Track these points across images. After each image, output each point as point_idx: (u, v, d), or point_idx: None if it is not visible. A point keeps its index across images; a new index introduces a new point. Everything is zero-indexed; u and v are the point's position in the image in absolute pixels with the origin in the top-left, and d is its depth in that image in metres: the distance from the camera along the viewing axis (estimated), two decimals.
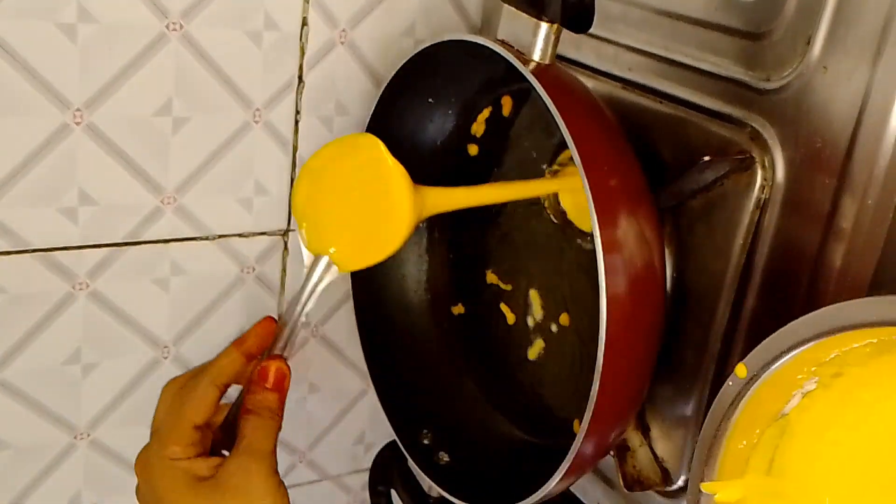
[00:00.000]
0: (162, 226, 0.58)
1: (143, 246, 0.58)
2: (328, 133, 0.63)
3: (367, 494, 0.70)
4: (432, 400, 0.63)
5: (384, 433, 0.70)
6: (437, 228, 0.65)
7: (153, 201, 0.58)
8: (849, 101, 0.38)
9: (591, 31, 0.45)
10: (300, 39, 0.59)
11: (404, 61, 0.54)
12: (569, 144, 0.41)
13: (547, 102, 0.42)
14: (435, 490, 0.58)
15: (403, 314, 0.66)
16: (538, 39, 0.44)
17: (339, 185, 0.48)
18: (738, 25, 0.44)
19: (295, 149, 0.62)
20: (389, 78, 0.56)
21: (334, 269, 0.47)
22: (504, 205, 0.60)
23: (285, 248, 0.64)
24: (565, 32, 0.45)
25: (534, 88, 0.42)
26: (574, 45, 0.54)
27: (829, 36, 0.39)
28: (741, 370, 0.33)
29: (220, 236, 0.61)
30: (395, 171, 0.44)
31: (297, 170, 0.62)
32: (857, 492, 0.33)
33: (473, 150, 0.61)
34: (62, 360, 0.58)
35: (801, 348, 0.30)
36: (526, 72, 0.43)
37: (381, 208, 0.46)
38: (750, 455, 0.35)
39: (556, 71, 0.46)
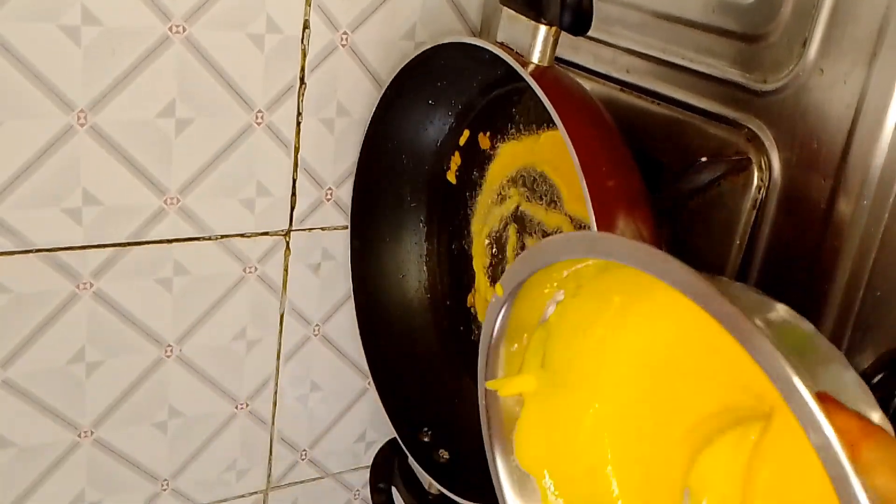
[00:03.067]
0: (165, 226, 0.59)
1: (146, 246, 0.59)
2: (329, 134, 0.63)
3: (367, 492, 0.70)
4: (432, 398, 0.64)
5: (385, 431, 0.70)
6: (438, 228, 0.66)
7: (156, 202, 0.58)
8: (844, 102, 0.38)
9: (590, 33, 0.46)
10: (302, 42, 0.59)
11: (405, 63, 0.55)
12: (568, 145, 0.41)
13: (546, 104, 0.42)
14: (435, 487, 0.59)
15: (403, 314, 0.66)
16: (537, 42, 0.45)
17: None
18: (735, 28, 0.44)
19: (297, 150, 0.62)
20: (390, 80, 0.56)
21: None
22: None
23: (287, 248, 0.65)
24: (564, 35, 0.45)
25: (533, 90, 0.43)
26: (572, 48, 0.54)
27: (825, 38, 0.39)
28: (499, 289, 0.39)
29: (223, 236, 0.62)
30: None
31: (298, 171, 0.63)
32: (624, 379, 0.39)
33: (452, 178, 0.62)
34: (66, 360, 0.59)
35: (538, 270, 0.37)
36: (525, 74, 0.44)
37: None
38: (524, 356, 0.41)
39: (555, 73, 0.46)
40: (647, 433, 0.38)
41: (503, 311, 0.40)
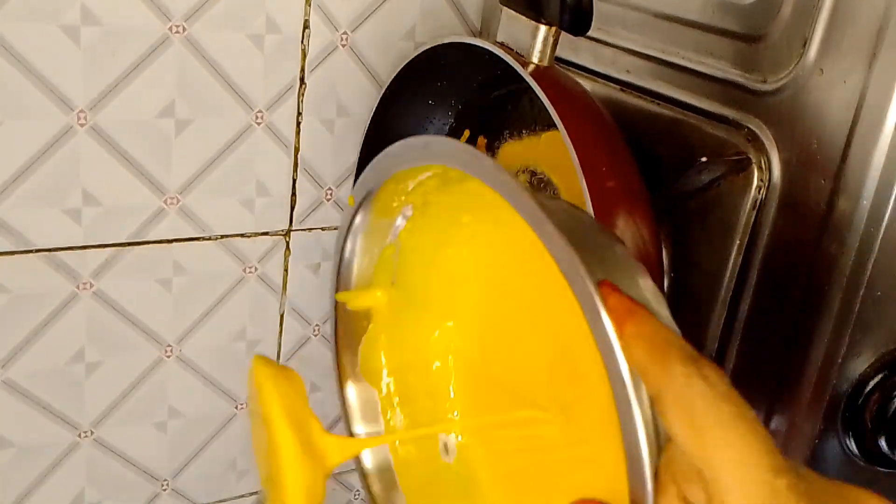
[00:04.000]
0: (165, 226, 0.59)
1: (146, 246, 0.59)
2: (329, 134, 0.63)
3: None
4: None
5: None
6: None
7: (156, 202, 0.58)
8: (844, 102, 0.38)
9: (590, 33, 0.46)
10: (302, 42, 0.59)
11: (405, 63, 0.55)
12: (568, 146, 0.41)
13: (546, 104, 0.42)
14: None
15: None
16: (537, 42, 0.45)
17: (260, 430, 0.41)
18: (735, 28, 0.44)
19: (297, 150, 0.62)
20: (390, 80, 0.56)
21: None
22: None
23: (287, 248, 0.65)
24: (564, 35, 0.45)
25: (533, 90, 0.43)
26: (572, 48, 0.54)
27: (825, 39, 0.39)
28: (350, 200, 0.40)
29: (223, 236, 0.62)
30: (283, 443, 0.37)
31: (298, 171, 0.63)
32: (474, 299, 0.40)
33: None
34: (66, 360, 0.59)
35: (382, 182, 0.37)
36: (525, 74, 0.44)
37: (279, 468, 0.38)
38: (375, 272, 0.41)
39: (555, 73, 0.46)
40: (492, 353, 0.40)
41: (355, 222, 0.40)
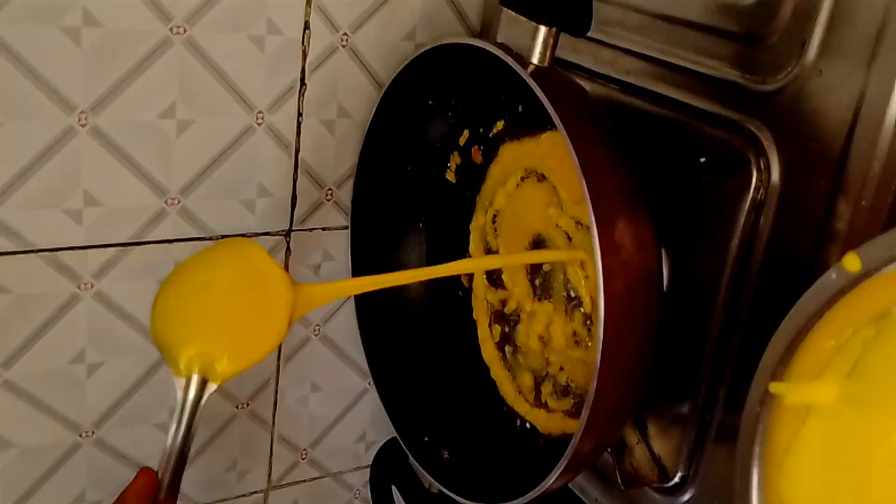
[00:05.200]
0: (166, 227, 0.59)
1: (147, 247, 0.59)
2: (330, 135, 0.63)
3: (368, 492, 0.70)
4: (433, 398, 0.64)
5: (385, 431, 0.71)
6: (438, 231, 0.66)
7: (157, 203, 0.58)
8: (844, 104, 0.38)
9: (589, 34, 0.46)
10: (302, 43, 0.59)
11: (405, 64, 0.55)
12: (567, 146, 0.41)
13: (546, 105, 0.42)
14: (435, 487, 0.59)
15: (403, 314, 0.66)
16: (537, 43, 0.45)
17: (206, 295, 0.44)
18: (735, 29, 0.44)
19: (297, 151, 0.62)
20: (390, 81, 0.56)
21: (210, 384, 0.44)
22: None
23: (287, 248, 0.65)
24: (564, 36, 0.45)
25: (533, 91, 0.43)
26: (572, 49, 0.54)
27: (825, 40, 0.39)
28: (853, 262, 0.28)
29: (224, 237, 0.62)
30: (277, 271, 0.42)
31: (299, 171, 0.63)
32: None
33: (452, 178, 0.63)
34: (67, 360, 0.59)
35: None
36: (525, 74, 0.44)
37: (258, 308, 0.42)
38: (833, 357, 0.31)
39: (555, 74, 0.46)
40: None
41: (838, 293, 0.29)
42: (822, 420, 0.31)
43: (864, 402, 0.30)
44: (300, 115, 0.61)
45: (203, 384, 0.44)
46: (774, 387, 0.32)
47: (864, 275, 0.28)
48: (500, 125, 0.59)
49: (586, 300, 0.53)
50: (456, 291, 0.65)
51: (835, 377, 0.31)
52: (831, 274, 0.29)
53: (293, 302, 0.43)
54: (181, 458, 0.46)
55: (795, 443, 0.32)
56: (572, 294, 0.54)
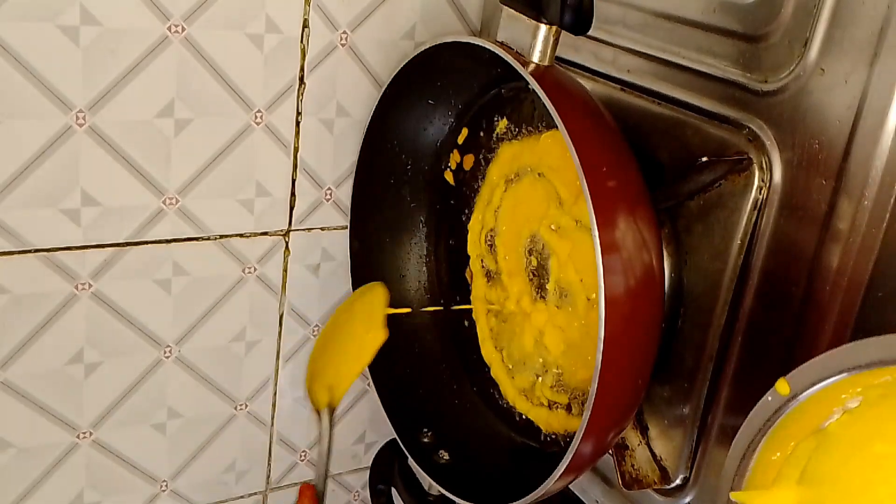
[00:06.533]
0: (164, 226, 0.59)
1: (145, 246, 0.59)
2: (329, 134, 0.63)
3: (367, 493, 0.70)
4: (432, 399, 0.63)
5: (384, 432, 0.70)
6: (438, 228, 0.66)
7: (155, 202, 0.58)
8: (845, 103, 0.38)
9: (590, 33, 0.46)
10: (301, 42, 0.59)
11: (404, 63, 0.54)
12: (568, 145, 0.41)
13: (546, 104, 0.42)
14: (435, 488, 0.59)
15: (404, 314, 0.66)
16: (537, 41, 0.45)
17: (324, 345, 0.58)
18: (736, 28, 0.44)
19: (296, 150, 0.62)
20: (390, 80, 0.56)
21: (332, 409, 0.56)
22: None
23: (286, 248, 0.65)
24: (564, 34, 0.45)
25: (533, 90, 0.43)
26: (573, 48, 0.54)
27: (826, 39, 0.39)
28: (783, 387, 0.33)
29: (222, 237, 0.61)
30: (372, 319, 0.56)
31: (298, 171, 0.63)
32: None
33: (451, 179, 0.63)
34: (65, 361, 0.59)
35: (854, 373, 0.31)
36: (525, 73, 0.43)
37: (354, 348, 0.56)
38: (782, 466, 0.35)
39: (556, 73, 0.46)
40: None
41: (775, 413, 0.34)
42: None
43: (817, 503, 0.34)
44: (299, 114, 0.61)
45: (332, 412, 0.56)
46: (735, 496, 0.36)
47: (794, 397, 0.33)
48: (503, 124, 0.58)
49: (583, 301, 0.53)
50: (456, 291, 0.65)
51: (787, 483, 0.35)
52: (768, 397, 0.34)
53: (381, 338, 0.56)
54: (327, 473, 0.57)
55: None
56: (570, 294, 0.54)
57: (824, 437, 0.34)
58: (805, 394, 0.33)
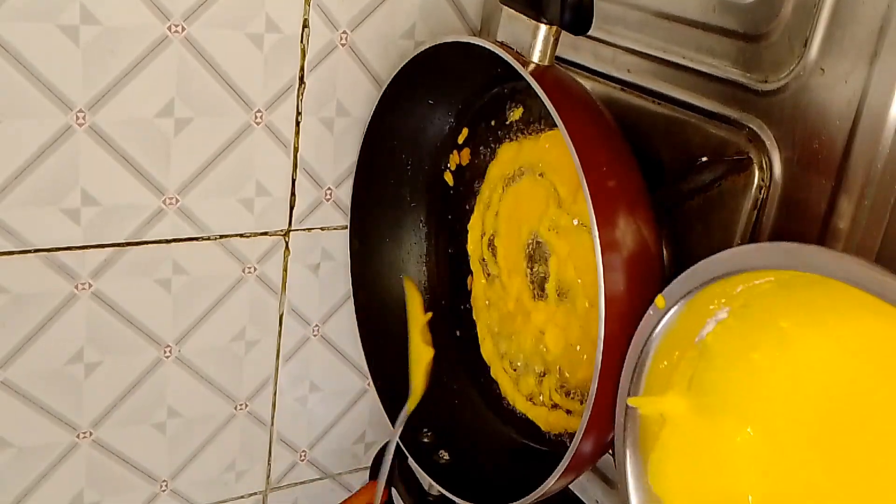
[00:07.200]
0: (164, 226, 0.59)
1: (145, 246, 0.59)
2: (329, 134, 0.63)
3: None
4: (432, 399, 0.63)
5: (384, 432, 0.70)
6: (437, 228, 0.66)
7: (155, 202, 0.58)
8: (845, 102, 0.38)
9: (590, 32, 0.46)
10: (301, 41, 0.59)
11: (404, 63, 0.54)
12: (568, 145, 0.41)
13: (546, 103, 0.42)
14: (435, 488, 0.59)
15: (403, 314, 0.66)
16: (537, 41, 0.45)
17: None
18: (736, 27, 0.44)
19: (296, 150, 0.62)
20: (390, 79, 0.56)
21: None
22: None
23: (286, 248, 0.65)
24: (564, 34, 0.45)
25: (533, 89, 0.43)
26: (573, 47, 0.54)
27: (826, 38, 0.39)
28: (660, 301, 0.37)
29: (222, 236, 0.61)
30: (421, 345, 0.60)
31: (298, 170, 0.63)
32: (777, 409, 0.36)
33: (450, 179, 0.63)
34: (65, 360, 0.59)
35: (711, 283, 0.35)
36: (525, 73, 0.43)
37: (418, 367, 0.61)
38: (671, 375, 0.39)
39: (556, 72, 0.46)
40: (805, 465, 0.36)
41: (661, 325, 0.37)
42: (676, 427, 0.39)
43: (708, 410, 0.38)
44: (299, 113, 0.61)
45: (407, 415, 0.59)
46: (631, 401, 0.40)
47: (669, 308, 0.37)
48: (517, 112, 0.58)
49: (582, 300, 0.53)
50: (455, 290, 0.65)
51: (677, 390, 0.39)
52: (650, 311, 0.38)
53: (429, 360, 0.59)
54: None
55: (657, 445, 0.40)
56: (570, 294, 0.54)
57: (704, 347, 0.38)
58: (677, 306, 0.37)
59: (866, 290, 0.28)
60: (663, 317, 0.37)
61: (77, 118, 0.53)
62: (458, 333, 0.65)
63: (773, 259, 0.32)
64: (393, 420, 0.61)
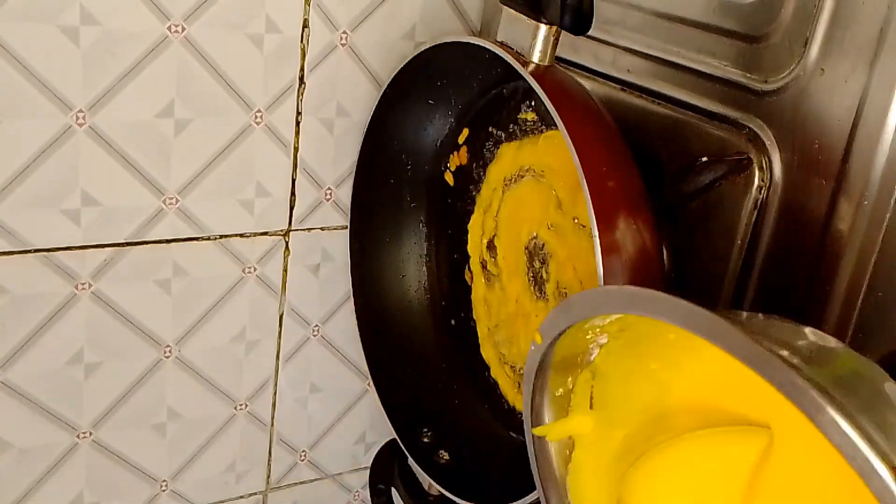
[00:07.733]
0: (164, 227, 0.59)
1: (145, 247, 0.59)
2: (329, 134, 0.63)
3: (367, 493, 0.70)
4: (432, 399, 0.63)
5: (384, 432, 0.70)
6: (437, 231, 0.66)
7: (155, 202, 0.58)
8: (846, 103, 0.38)
9: (590, 33, 0.46)
10: (301, 42, 0.59)
11: (404, 63, 0.54)
12: (568, 146, 0.41)
13: (546, 104, 0.42)
14: (435, 488, 0.59)
15: (403, 314, 0.66)
16: (537, 41, 0.45)
17: None
18: (736, 28, 0.44)
19: (296, 150, 0.62)
20: (390, 80, 0.56)
21: None
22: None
23: (286, 248, 0.65)
24: (564, 34, 0.45)
25: (533, 90, 0.43)
26: (572, 48, 0.54)
27: (827, 39, 0.39)
28: (538, 337, 0.38)
29: (222, 237, 0.61)
30: None
31: (298, 171, 0.63)
32: (680, 415, 0.37)
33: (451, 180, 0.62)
34: (65, 361, 0.59)
35: (576, 322, 0.36)
36: (525, 73, 0.43)
37: None
38: (570, 399, 0.40)
39: (556, 73, 0.46)
40: (705, 472, 0.37)
41: (543, 358, 0.39)
42: (586, 446, 0.41)
43: (617, 421, 0.39)
44: (299, 114, 0.61)
45: None
46: (537, 431, 0.41)
47: (551, 343, 0.38)
48: (531, 114, 0.58)
49: None
50: (455, 291, 0.65)
51: (580, 411, 0.40)
52: (532, 346, 0.39)
53: None
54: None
55: (570, 468, 0.41)
56: (570, 295, 0.54)
57: (596, 368, 0.40)
58: (555, 340, 0.38)
59: (699, 335, 0.29)
60: (545, 350, 0.38)
61: (77, 119, 0.53)
62: (458, 334, 0.65)
63: (615, 305, 0.33)
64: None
